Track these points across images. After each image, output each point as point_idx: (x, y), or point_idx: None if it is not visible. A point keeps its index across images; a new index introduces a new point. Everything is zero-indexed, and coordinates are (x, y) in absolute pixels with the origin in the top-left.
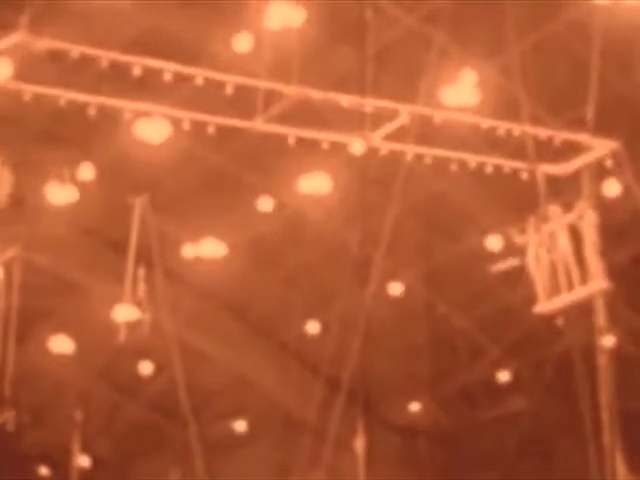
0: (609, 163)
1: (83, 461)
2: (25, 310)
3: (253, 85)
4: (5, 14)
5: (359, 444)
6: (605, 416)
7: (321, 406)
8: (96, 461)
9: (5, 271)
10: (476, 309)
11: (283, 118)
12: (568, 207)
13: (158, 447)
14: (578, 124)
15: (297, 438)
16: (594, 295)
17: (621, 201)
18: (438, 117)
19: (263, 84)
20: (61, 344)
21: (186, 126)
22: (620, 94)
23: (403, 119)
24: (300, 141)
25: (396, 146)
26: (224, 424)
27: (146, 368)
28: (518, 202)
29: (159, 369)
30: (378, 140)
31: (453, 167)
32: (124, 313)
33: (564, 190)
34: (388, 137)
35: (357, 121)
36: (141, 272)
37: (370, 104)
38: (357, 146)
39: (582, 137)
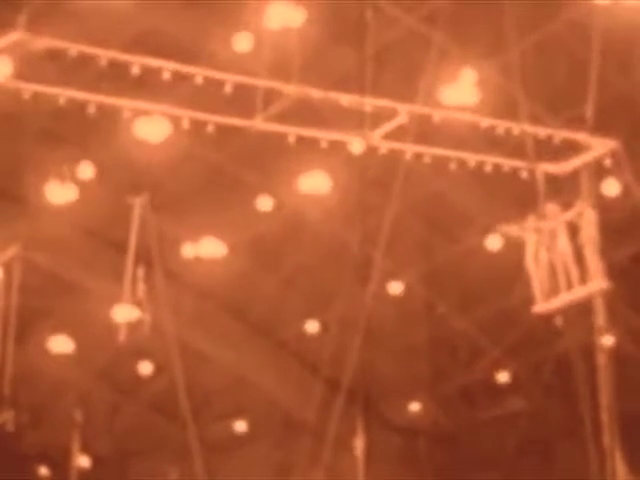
0: (608, 162)
1: (83, 461)
2: (25, 310)
3: (253, 84)
4: (4, 13)
5: (359, 444)
6: (605, 416)
7: (321, 406)
8: (96, 461)
9: (5, 271)
10: (476, 309)
11: (282, 117)
12: (567, 206)
13: (158, 447)
14: (577, 123)
15: (297, 438)
16: (593, 295)
17: (620, 200)
18: (437, 116)
19: (263, 83)
20: (61, 344)
21: (185, 125)
22: (619, 94)
23: (402, 118)
24: (299, 140)
25: (395, 145)
26: (224, 424)
27: (146, 368)
28: (517, 201)
29: (159, 369)
30: (377, 139)
31: (452, 166)
32: (124, 313)
33: (563, 189)
34: (387, 136)
35: (356, 120)
36: (141, 272)
37: (369, 103)
38: (356, 145)
39: (581, 136)
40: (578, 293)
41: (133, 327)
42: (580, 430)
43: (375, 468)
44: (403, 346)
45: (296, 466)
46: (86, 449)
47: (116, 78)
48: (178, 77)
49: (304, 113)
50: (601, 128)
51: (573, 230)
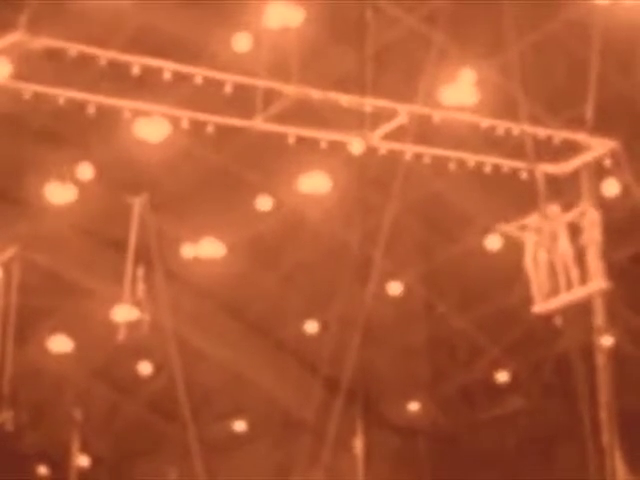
0: (608, 162)
1: (82, 460)
2: (25, 310)
3: (252, 84)
4: (4, 13)
5: (358, 444)
6: (604, 415)
7: (320, 406)
8: (95, 460)
9: (5, 271)
10: (475, 309)
11: (282, 117)
12: (567, 207)
13: (157, 447)
14: (577, 123)
15: (296, 438)
16: (593, 295)
17: (620, 200)
18: (437, 117)
19: (262, 83)
20: (60, 343)
21: (185, 125)
22: (619, 94)
23: (402, 119)
24: (299, 140)
25: (395, 146)
26: (223, 424)
27: (145, 368)
28: (517, 201)
29: (158, 369)
30: (377, 140)
31: (452, 166)
32: (123, 313)
33: (563, 189)
34: (387, 137)
35: (356, 120)
36: (140, 272)
37: (369, 104)
38: (356, 145)
39: (581, 136)
40: (578, 293)
41: (133, 327)
42: (579, 429)
43: (374, 468)
44: (402, 346)
45: (296, 466)
46: (85, 448)
47: (116, 78)
48: (178, 77)
49: (304, 113)
50: (601, 128)
51: (574, 230)
